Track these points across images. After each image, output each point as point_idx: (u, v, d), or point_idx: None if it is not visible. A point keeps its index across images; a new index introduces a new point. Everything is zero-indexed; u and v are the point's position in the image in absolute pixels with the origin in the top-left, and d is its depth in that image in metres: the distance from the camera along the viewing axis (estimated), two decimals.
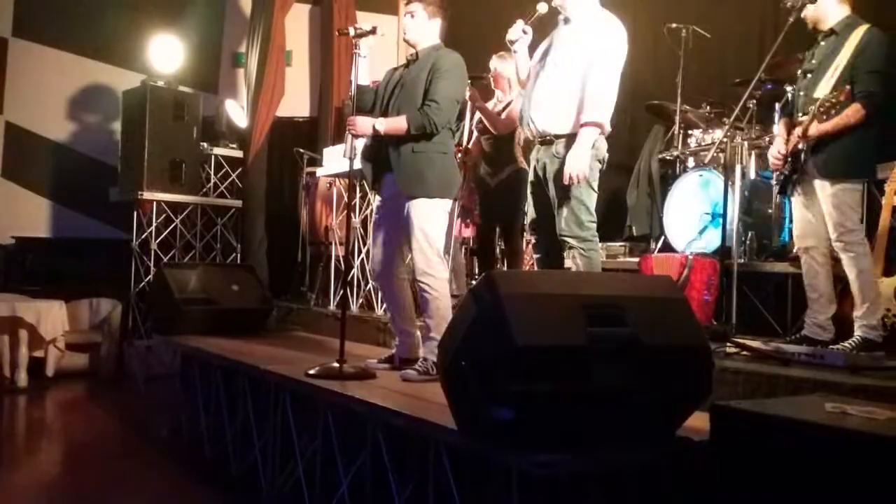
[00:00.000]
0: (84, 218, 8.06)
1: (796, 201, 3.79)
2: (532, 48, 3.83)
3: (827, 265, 3.71)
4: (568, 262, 3.63)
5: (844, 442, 1.86)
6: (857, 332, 3.53)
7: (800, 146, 3.61)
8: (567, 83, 3.61)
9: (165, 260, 6.72)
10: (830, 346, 3.53)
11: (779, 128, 3.92)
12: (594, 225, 3.63)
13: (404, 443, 2.88)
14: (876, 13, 4.66)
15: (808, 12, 3.67)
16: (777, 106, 4.84)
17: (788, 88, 3.97)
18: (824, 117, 3.43)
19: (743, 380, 2.98)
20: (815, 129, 3.49)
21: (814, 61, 3.72)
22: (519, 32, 3.70)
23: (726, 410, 2.17)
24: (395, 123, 3.64)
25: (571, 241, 3.57)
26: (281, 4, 7.26)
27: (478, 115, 5.01)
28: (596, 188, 3.64)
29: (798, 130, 3.53)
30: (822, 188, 3.56)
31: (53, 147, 8.16)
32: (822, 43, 3.71)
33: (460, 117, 4.75)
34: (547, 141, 3.67)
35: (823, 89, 3.54)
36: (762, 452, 2.02)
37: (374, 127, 3.66)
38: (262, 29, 7.17)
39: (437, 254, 3.65)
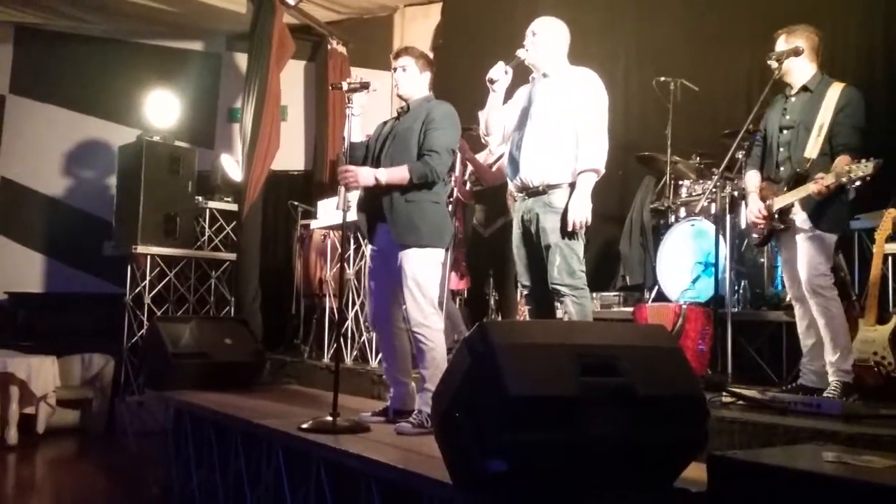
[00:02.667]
0: (78, 272, 8.07)
1: (783, 255, 3.90)
2: (507, 97, 3.93)
3: None
4: (559, 312, 3.67)
5: (842, 491, 1.84)
6: (833, 378, 3.56)
7: (793, 203, 3.66)
8: (554, 135, 3.73)
9: (159, 314, 6.69)
10: (824, 394, 3.52)
11: (749, 181, 3.95)
12: (584, 273, 3.70)
13: (399, 497, 2.84)
14: (863, 70, 4.79)
15: (782, 65, 3.77)
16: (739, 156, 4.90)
17: (755, 143, 4.02)
18: (850, 181, 3.42)
19: (739, 429, 2.96)
20: (830, 185, 3.47)
21: (788, 117, 3.80)
22: (500, 73, 3.79)
23: (723, 461, 2.15)
24: (397, 173, 3.65)
25: (563, 290, 3.63)
26: (276, 60, 7.38)
27: (469, 166, 5.06)
28: (584, 237, 3.73)
29: (814, 188, 3.50)
30: (803, 234, 3.65)
31: (48, 202, 8.21)
32: (794, 99, 3.81)
33: (452, 167, 4.81)
34: (538, 192, 3.73)
35: (812, 149, 3.64)
36: (760, 503, 2.00)
37: (375, 177, 3.67)
38: (258, 85, 7.27)
39: (432, 304, 3.64)
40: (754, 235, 3.98)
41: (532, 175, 3.75)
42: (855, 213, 4.02)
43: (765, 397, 3.44)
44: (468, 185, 5.14)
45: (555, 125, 3.74)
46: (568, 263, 3.64)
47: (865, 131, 3.64)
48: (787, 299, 4.16)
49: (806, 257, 3.62)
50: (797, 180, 3.66)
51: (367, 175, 3.67)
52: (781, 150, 3.80)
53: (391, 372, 3.89)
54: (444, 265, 3.97)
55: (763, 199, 3.81)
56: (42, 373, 6.17)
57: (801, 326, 3.80)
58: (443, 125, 3.69)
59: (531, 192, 3.78)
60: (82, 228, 8.00)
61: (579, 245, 3.69)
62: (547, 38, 3.83)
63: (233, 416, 3.95)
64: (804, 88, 3.78)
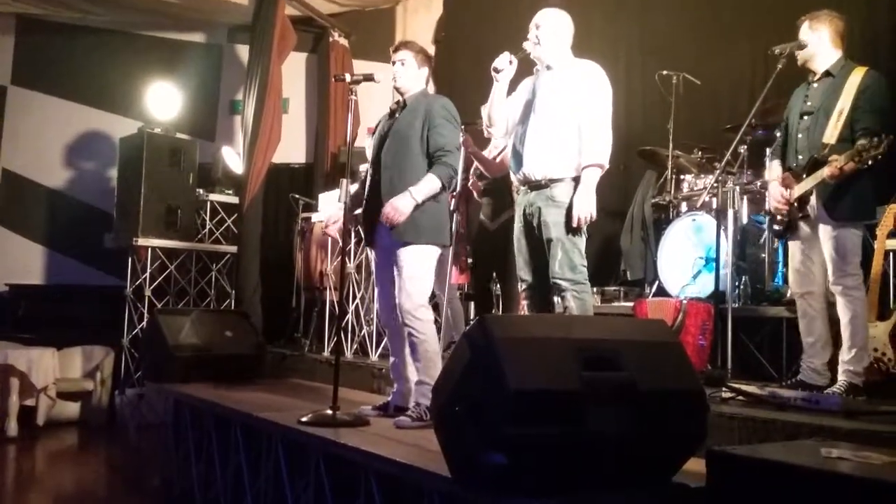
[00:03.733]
0: (79, 264, 8.06)
1: (795, 246, 3.79)
2: (510, 90, 3.90)
3: (823, 310, 3.71)
4: (558, 306, 3.66)
5: (841, 487, 1.84)
6: (842, 377, 3.52)
7: (811, 190, 3.58)
8: (557, 128, 3.71)
9: (159, 306, 6.69)
10: (828, 391, 3.52)
11: (771, 171, 3.91)
12: (585, 268, 3.69)
13: (398, 490, 2.84)
14: (868, 57, 4.76)
15: (803, 51, 3.71)
16: (768, 151, 4.90)
17: (777, 133, 3.99)
18: (861, 161, 3.33)
19: (739, 425, 2.96)
20: (851, 167, 3.37)
21: (809, 103, 3.72)
22: (505, 62, 3.76)
23: (723, 456, 2.14)
24: (429, 186, 3.65)
25: (564, 285, 3.62)
26: (278, 53, 7.36)
27: (475, 161, 5.04)
28: (586, 232, 3.71)
29: (826, 171, 3.43)
30: (825, 231, 3.56)
31: (49, 194, 8.20)
32: (816, 85, 3.73)
33: None
34: (540, 186, 3.72)
35: (830, 134, 3.55)
36: (759, 498, 2.00)
37: (412, 199, 3.63)
38: (260, 77, 7.25)
39: (423, 297, 3.67)
40: (775, 227, 3.89)
41: (535, 169, 3.74)
42: (877, 203, 3.82)
43: (764, 393, 3.44)
44: (471, 180, 5.11)
45: (558, 119, 3.72)
46: (569, 258, 3.63)
47: (887, 112, 3.51)
48: (788, 294, 4.15)
49: (830, 257, 3.53)
50: (814, 166, 3.55)
51: (405, 204, 3.63)
52: (801, 136, 3.72)
53: (398, 368, 3.90)
54: (444, 261, 3.97)
55: (785, 188, 3.72)
56: (42, 365, 6.18)
57: (801, 323, 3.76)
58: (447, 121, 3.71)
59: (533, 185, 3.77)
60: (83, 220, 7.99)
61: (581, 240, 3.68)
62: (550, 31, 3.81)
63: (232, 409, 3.95)
64: (827, 73, 3.69)
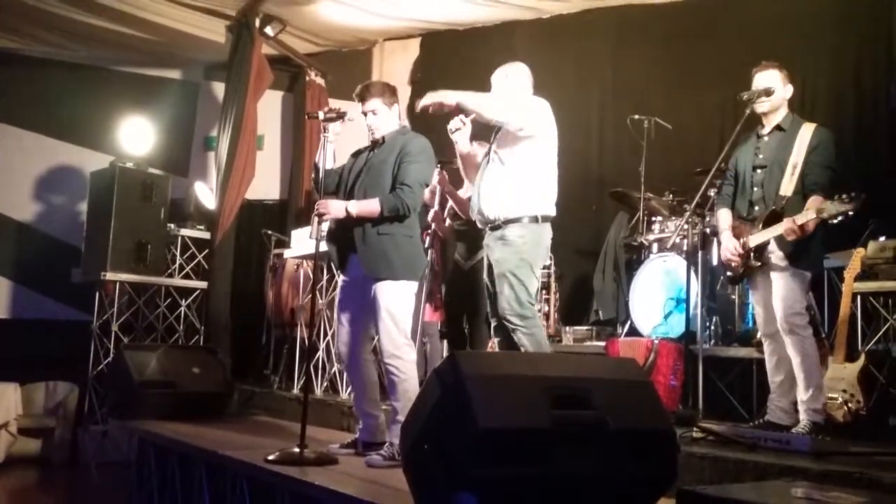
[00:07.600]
0: (45, 299, 7.91)
1: (753, 291, 3.92)
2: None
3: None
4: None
5: None
6: (804, 416, 3.56)
7: (769, 240, 3.67)
8: (508, 172, 3.77)
9: (126, 341, 6.57)
10: (793, 431, 3.53)
11: (722, 220, 3.97)
12: (533, 304, 3.72)
13: None
14: (811, 113, 4.90)
15: (766, 104, 3.80)
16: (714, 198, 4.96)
17: (726, 182, 4.06)
18: (831, 217, 3.42)
19: (709, 465, 2.96)
20: (813, 224, 3.49)
21: (762, 156, 3.83)
22: (458, 123, 3.88)
23: (693, 496, 2.14)
24: (368, 206, 3.66)
25: (513, 320, 3.64)
26: (254, 91, 7.37)
27: (450, 200, 5.05)
28: (538, 274, 3.77)
29: (790, 224, 3.51)
30: (777, 275, 3.67)
31: (17, 227, 8.07)
32: (766, 138, 3.85)
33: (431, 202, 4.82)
34: (497, 226, 3.77)
35: (786, 187, 3.66)
36: None
37: (346, 209, 3.67)
38: (235, 113, 7.25)
39: (405, 335, 3.63)
40: (729, 273, 3.99)
41: (489, 209, 3.79)
42: (825, 252, 4.04)
43: (734, 433, 3.44)
44: (447, 222, 5.12)
45: (508, 163, 3.79)
46: (515, 293, 3.66)
47: (836, 170, 3.67)
48: (758, 336, 4.18)
49: (781, 295, 3.63)
50: (772, 218, 3.67)
51: (338, 207, 3.68)
52: (756, 189, 3.83)
53: (360, 404, 3.86)
54: (417, 296, 3.96)
55: (736, 236, 3.82)
56: (3, 400, 6.04)
57: (769, 363, 3.81)
58: (417, 159, 3.71)
59: (491, 226, 3.81)
60: (51, 254, 7.86)
61: (529, 278, 3.71)
62: (500, 88, 3.91)
63: (197, 447, 3.88)
64: (778, 128, 3.81)
